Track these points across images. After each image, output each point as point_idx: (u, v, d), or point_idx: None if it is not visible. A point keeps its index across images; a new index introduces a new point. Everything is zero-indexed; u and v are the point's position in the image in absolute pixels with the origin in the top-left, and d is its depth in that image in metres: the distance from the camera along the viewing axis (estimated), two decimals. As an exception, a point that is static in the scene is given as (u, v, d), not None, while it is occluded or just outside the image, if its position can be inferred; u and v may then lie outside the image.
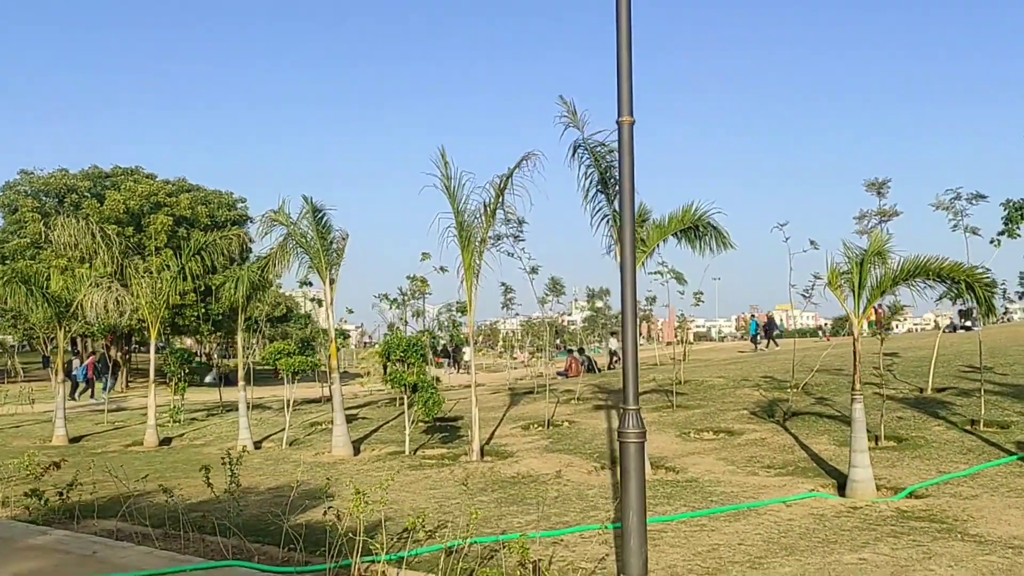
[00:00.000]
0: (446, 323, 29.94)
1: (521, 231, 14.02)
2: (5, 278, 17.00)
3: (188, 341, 53.65)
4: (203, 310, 29.05)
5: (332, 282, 13.88)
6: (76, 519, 8.77)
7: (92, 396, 29.60)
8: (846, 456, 10.71)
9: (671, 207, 12.21)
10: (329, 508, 6.87)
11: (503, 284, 32.73)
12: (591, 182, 11.19)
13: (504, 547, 7.07)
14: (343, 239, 13.99)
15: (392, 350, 12.89)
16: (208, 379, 34.52)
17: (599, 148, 11.01)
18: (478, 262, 12.69)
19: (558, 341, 42.35)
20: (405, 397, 13.14)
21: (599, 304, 42.62)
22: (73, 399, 28.95)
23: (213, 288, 28.08)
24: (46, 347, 48.43)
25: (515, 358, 48.18)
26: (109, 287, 16.40)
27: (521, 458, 12.03)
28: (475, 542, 6.77)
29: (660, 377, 20.76)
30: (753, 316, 51.58)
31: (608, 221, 11.20)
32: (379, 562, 6.57)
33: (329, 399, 22.80)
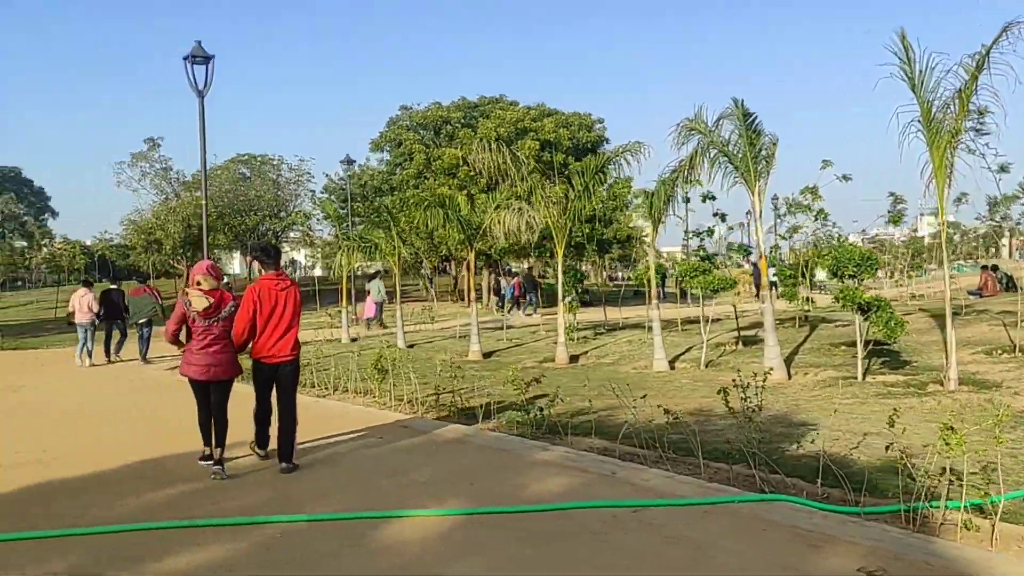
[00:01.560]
0: (824, 238, 27.52)
1: (982, 123, 11.83)
2: (426, 203, 18.15)
3: (524, 265, 55.92)
4: (588, 230, 29.63)
5: (760, 193, 12.75)
6: (561, 436, 8.70)
7: (523, 313, 31.93)
8: None
9: None
10: (892, 444, 5.88)
11: (892, 194, 29.54)
12: None
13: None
14: (772, 144, 12.74)
15: (843, 265, 11.53)
16: (568, 299, 35.73)
17: None
18: (950, 159, 10.82)
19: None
20: (857, 317, 11.75)
21: (997, 217, 37.03)
22: (502, 315, 31.68)
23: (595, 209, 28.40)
24: (417, 270, 53.38)
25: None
26: (519, 209, 16.78)
27: (1016, 389, 10.18)
28: None
29: None
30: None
31: None
32: (961, 509, 5.49)
33: (710, 320, 22.10)
